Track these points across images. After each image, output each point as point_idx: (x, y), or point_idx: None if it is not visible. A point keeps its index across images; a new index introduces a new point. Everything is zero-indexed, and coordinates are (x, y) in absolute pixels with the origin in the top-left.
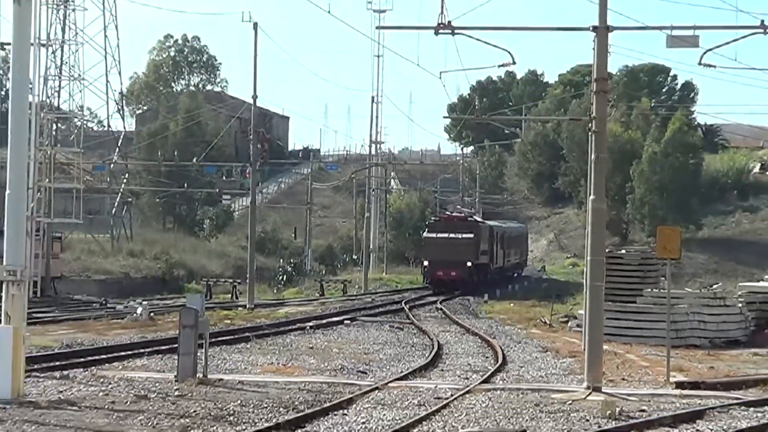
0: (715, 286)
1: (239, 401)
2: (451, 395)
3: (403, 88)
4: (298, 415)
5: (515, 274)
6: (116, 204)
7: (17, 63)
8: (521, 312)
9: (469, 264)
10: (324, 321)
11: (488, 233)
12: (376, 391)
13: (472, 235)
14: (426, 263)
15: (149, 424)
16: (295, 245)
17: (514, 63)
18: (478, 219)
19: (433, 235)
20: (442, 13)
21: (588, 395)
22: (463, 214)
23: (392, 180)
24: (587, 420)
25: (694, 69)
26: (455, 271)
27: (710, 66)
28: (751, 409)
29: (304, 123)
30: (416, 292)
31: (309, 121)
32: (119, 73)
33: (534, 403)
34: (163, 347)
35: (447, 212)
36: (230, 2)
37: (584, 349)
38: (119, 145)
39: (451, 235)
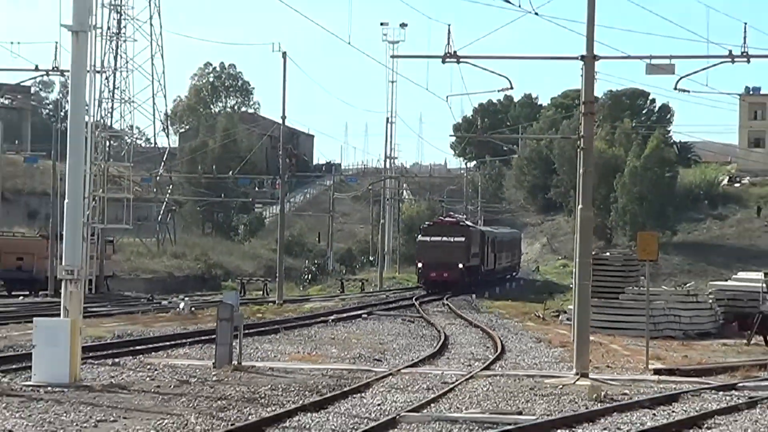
0: (688, 285)
1: (270, 385)
2: (456, 380)
3: (414, 109)
4: (322, 397)
5: (509, 276)
6: (161, 211)
7: (75, 88)
8: (518, 307)
9: (460, 266)
10: (344, 315)
11: (479, 237)
12: (390, 377)
13: (463, 239)
14: (420, 265)
15: (190, 405)
16: (318, 248)
17: (511, 88)
18: (470, 224)
19: (427, 238)
20: (448, 44)
21: (576, 380)
22: (454, 219)
23: (404, 191)
24: (576, 402)
25: (670, 93)
26: (447, 272)
27: (684, 91)
28: (720, 392)
29: (327, 140)
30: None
31: (331, 139)
32: (164, 97)
33: (529, 388)
34: (203, 338)
35: (440, 217)
36: (263, 34)
37: (573, 340)
38: (164, 159)
39: (444, 239)
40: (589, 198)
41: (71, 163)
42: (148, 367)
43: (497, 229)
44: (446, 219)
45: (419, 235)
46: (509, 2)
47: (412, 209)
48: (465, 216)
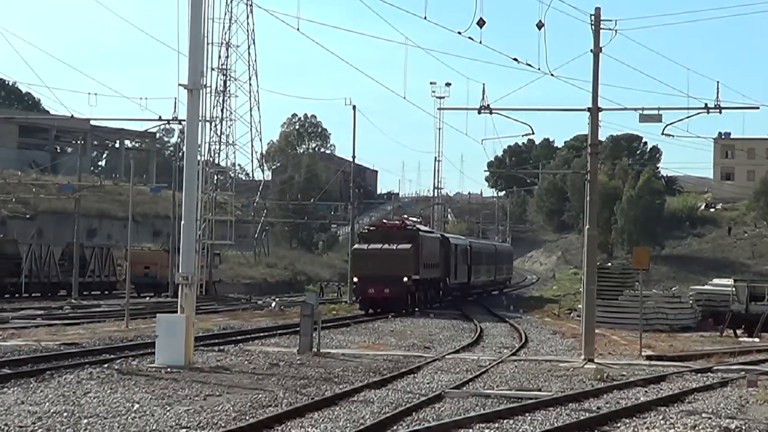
0: (673, 289)
1: (342, 368)
2: (489, 364)
3: (457, 149)
4: (383, 377)
5: (495, 292)
6: (258, 230)
7: (190, 134)
8: (539, 306)
9: (405, 279)
10: (401, 312)
11: (438, 245)
12: (437, 361)
13: (409, 246)
14: (355, 279)
15: (279, 383)
16: None
17: (533, 133)
18: (424, 228)
19: (364, 246)
20: (483, 98)
21: (584, 364)
22: (400, 222)
23: (448, 214)
24: (584, 381)
25: (659, 137)
26: (389, 287)
27: (670, 135)
28: (699, 374)
29: (387, 175)
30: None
31: (391, 173)
32: (260, 140)
33: (547, 370)
34: (289, 330)
35: (384, 220)
36: (337, 89)
37: (582, 332)
38: (260, 190)
39: (385, 246)
40: (594, 220)
41: (186, 192)
42: (246, 352)
43: (478, 240)
44: (390, 222)
45: (356, 243)
46: (531, 66)
47: (455, 228)
48: (420, 219)
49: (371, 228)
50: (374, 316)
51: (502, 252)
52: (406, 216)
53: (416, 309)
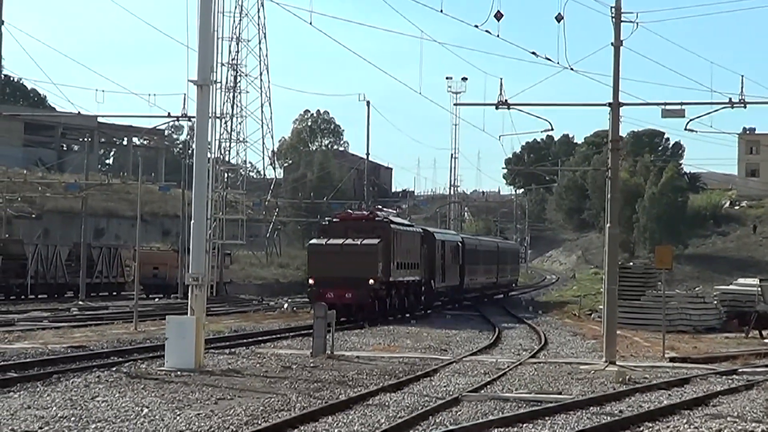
0: (697, 289)
1: (356, 370)
2: (508, 366)
3: (473, 146)
4: (398, 380)
5: (500, 295)
6: (269, 230)
7: (200, 131)
8: (559, 307)
9: (371, 282)
10: (417, 314)
11: (419, 241)
12: (454, 364)
13: (377, 241)
14: (311, 281)
15: (292, 386)
16: None
17: (552, 129)
18: (400, 220)
19: (322, 242)
20: (500, 93)
21: (606, 367)
22: (368, 212)
23: (465, 212)
24: (605, 384)
25: (682, 133)
26: (351, 291)
27: (693, 131)
28: (724, 377)
29: (402, 172)
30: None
31: (406, 171)
32: (272, 137)
33: (567, 372)
34: (302, 332)
35: (349, 210)
36: (350, 85)
37: (603, 334)
38: (271, 188)
39: (348, 242)
40: (616, 218)
41: (196, 191)
42: (258, 355)
43: (475, 237)
44: (355, 213)
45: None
46: (550, 60)
47: (472, 227)
48: (396, 211)
49: (333, 219)
50: (392, 317)
51: (505, 250)
52: (380, 207)
53: (390, 317)
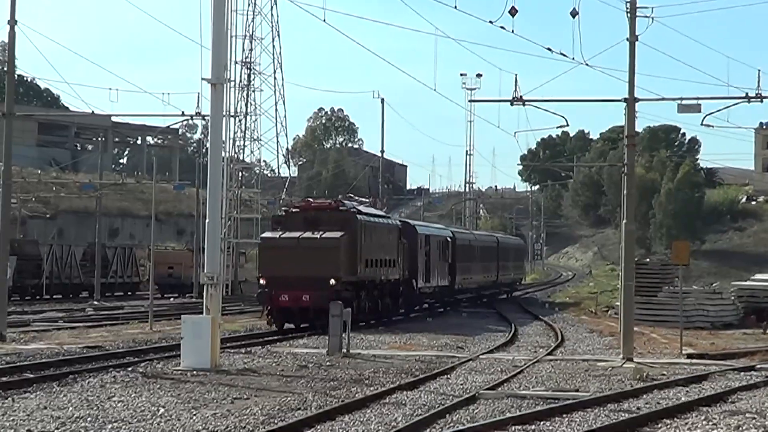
0: (714, 285)
1: (372, 369)
2: (524, 364)
3: (489, 142)
4: (415, 378)
5: (503, 296)
6: None
7: (214, 129)
8: (575, 304)
9: (332, 282)
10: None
11: (395, 235)
12: (471, 362)
13: (339, 234)
14: (262, 282)
15: (308, 385)
16: None
17: (567, 125)
18: (370, 210)
19: (275, 235)
20: (515, 90)
21: (623, 364)
22: (331, 201)
23: (481, 209)
24: (623, 381)
25: (698, 128)
26: (309, 293)
27: (709, 126)
28: (742, 373)
29: (417, 169)
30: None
31: (421, 168)
32: (286, 135)
33: (584, 370)
34: (318, 331)
35: (309, 198)
36: (365, 82)
37: (620, 330)
38: (286, 186)
39: (305, 235)
40: (632, 214)
41: (211, 189)
42: (274, 354)
43: (466, 230)
44: (317, 202)
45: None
46: (565, 55)
47: (487, 224)
48: (374, 200)
49: (290, 210)
50: (408, 315)
51: (507, 246)
52: (351, 195)
53: (361, 322)
